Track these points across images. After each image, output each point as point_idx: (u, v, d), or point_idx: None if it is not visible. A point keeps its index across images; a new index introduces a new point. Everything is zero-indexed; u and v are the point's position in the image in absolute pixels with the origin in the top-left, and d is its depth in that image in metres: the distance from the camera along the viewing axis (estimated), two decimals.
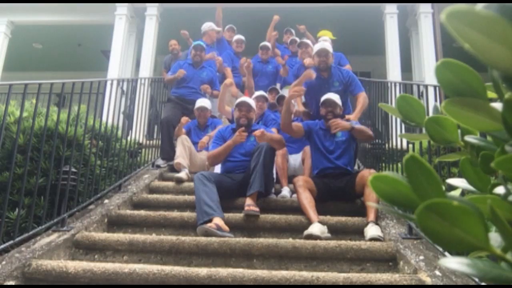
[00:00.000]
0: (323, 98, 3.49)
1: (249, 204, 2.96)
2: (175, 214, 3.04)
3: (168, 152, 4.53)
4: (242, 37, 5.79)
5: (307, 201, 2.94)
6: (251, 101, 3.61)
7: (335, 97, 3.48)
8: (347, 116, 3.70)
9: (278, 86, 5.54)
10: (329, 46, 4.01)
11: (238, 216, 2.97)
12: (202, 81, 4.98)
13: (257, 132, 3.23)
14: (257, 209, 2.95)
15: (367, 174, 3.06)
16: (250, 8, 7.14)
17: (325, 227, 2.75)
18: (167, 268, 2.10)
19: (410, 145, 3.22)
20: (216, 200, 2.95)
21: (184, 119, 4.35)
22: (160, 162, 4.59)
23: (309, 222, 2.80)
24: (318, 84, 3.87)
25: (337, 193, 3.22)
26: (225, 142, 3.50)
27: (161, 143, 4.72)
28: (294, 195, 3.25)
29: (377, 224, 2.77)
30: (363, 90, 3.99)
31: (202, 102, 4.60)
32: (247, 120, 3.50)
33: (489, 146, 0.52)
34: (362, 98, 3.91)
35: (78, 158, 3.03)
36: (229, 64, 5.51)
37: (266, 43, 5.58)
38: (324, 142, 3.37)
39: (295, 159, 4.02)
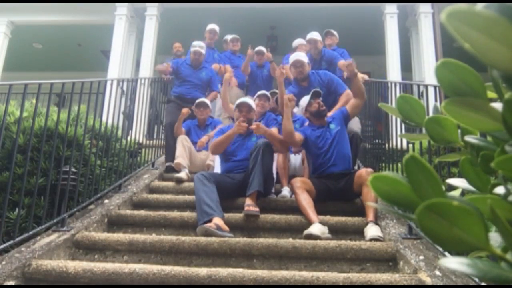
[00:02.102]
0: (310, 93, 3.52)
1: (249, 204, 2.96)
2: (175, 214, 3.04)
3: (173, 156, 4.45)
4: (236, 36, 5.86)
5: (306, 202, 2.94)
6: (251, 102, 3.63)
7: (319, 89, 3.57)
8: (329, 114, 3.74)
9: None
10: (303, 56, 4.13)
11: (238, 216, 2.97)
12: (201, 80, 5.02)
13: (253, 125, 3.27)
14: (257, 209, 2.95)
15: (365, 173, 3.07)
16: (249, 9, 7.14)
17: (326, 227, 2.75)
18: (167, 268, 2.10)
19: (410, 145, 3.22)
20: (216, 200, 2.95)
21: (185, 109, 4.36)
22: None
23: (309, 223, 2.80)
24: (300, 94, 3.92)
25: (336, 193, 3.22)
26: None
27: (166, 147, 4.64)
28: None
29: (377, 224, 2.77)
30: (346, 88, 4.05)
31: (202, 98, 4.67)
32: (247, 120, 3.51)
33: (489, 146, 0.52)
34: (345, 95, 3.97)
35: (78, 158, 3.03)
36: (227, 63, 5.55)
37: (261, 48, 5.63)
38: (317, 139, 3.38)
39: (295, 158, 4.02)
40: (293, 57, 4.13)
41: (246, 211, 2.91)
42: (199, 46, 5.07)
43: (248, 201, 3.01)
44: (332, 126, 3.42)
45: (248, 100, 3.66)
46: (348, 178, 3.20)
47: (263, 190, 3.13)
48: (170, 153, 4.50)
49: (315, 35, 4.91)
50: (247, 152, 3.43)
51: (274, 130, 3.91)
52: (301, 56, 4.12)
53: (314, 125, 3.47)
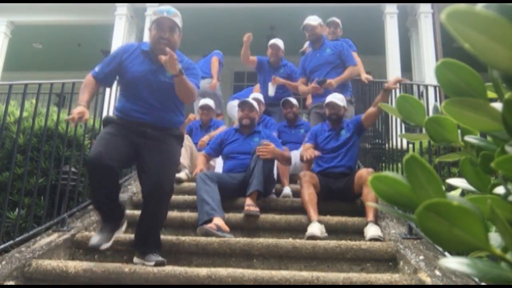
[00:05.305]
0: (327, 100, 3.48)
1: (249, 204, 2.96)
2: (175, 214, 3.04)
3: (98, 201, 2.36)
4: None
5: (310, 197, 2.94)
6: (253, 101, 3.62)
7: (338, 99, 3.47)
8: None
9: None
10: (313, 20, 4.22)
11: (238, 216, 2.97)
12: (163, 89, 2.36)
13: (261, 151, 3.17)
14: (257, 209, 2.94)
15: (365, 173, 3.06)
16: (249, 9, 7.14)
17: (323, 225, 2.76)
18: (167, 268, 2.10)
19: (410, 145, 3.22)
20: (218, 199, 2.95)
21: (192, 115, 4.25)
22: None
23: (308, 221, 2.80)
24: (311, 54, 4.15)
25: (336, 193, 3.22)
26: (222, 146, 3.57)
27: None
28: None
29: (377, 224, 2.77)
30: (355, 64, 4.13)
31: (207, 101, 4.62)
32: (249, 120, 3.51)
33: (489, 146, 0.52)
34: (350, 69, 4.05)
35: (78, 158, 3.03)
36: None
37: (276, 41, 4.71)
38: (328, 144, 3.38)
39: (295, 155, 4.00)
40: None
41: (246, 211, 2.91)
42: (167, 11, 2.30)
43: (248, 201, 3.01)
44: (342, 132, 3.42)
45: (249, 99, 3.66)
46: (348, 178, 3.20)
47: (263, 190, 3.13)
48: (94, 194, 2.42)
49: (335, 18, 4.86)
50: (248, 151, 3.43)
51: (285, 148, 3.61)
52: (310, 20, 4.14)
53: (328, 125, 3.48)
